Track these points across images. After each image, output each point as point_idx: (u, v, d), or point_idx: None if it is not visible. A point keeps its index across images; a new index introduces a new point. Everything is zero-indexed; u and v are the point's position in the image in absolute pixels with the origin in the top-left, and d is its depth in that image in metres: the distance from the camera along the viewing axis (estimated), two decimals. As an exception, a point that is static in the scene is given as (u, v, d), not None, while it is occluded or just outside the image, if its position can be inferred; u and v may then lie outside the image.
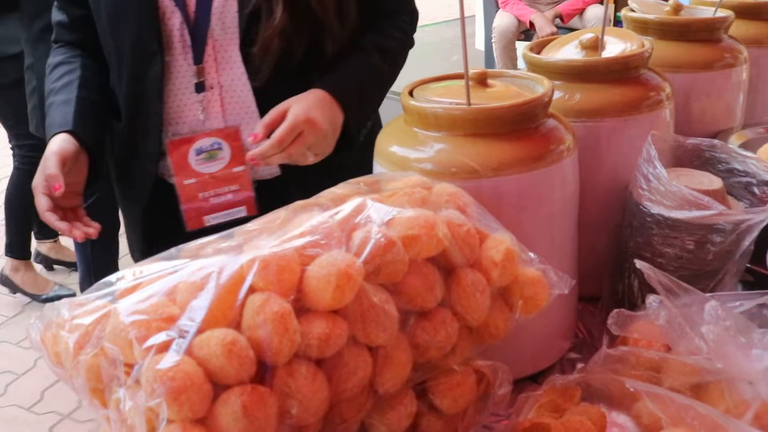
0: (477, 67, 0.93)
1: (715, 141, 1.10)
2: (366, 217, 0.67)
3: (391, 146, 0.91)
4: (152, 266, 0.65)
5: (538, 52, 1.13)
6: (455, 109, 0.85)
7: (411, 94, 0.92)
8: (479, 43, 5.28)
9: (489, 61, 4.80)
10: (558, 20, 4.34)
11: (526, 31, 4.44)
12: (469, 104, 0.84)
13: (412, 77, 0.99)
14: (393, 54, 1.27)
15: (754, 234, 0.96)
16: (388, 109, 1.28)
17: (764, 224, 0.95)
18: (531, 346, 0.96)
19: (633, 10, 1.34)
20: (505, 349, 0.79)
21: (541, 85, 0.92)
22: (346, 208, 0.68)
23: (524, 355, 0.96)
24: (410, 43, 1.34)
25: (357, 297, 0.64)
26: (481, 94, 0.89)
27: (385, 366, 0.67)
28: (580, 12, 4.38)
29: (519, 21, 4.38)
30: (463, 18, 0.82)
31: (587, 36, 1.10)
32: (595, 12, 4.27)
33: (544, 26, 4.21)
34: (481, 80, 0.91)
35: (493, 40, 4.44)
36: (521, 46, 4.40)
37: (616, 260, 1.05)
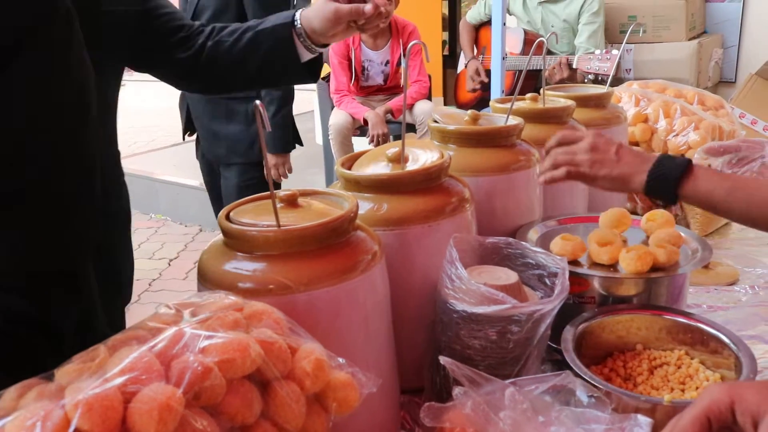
0: (288, 189, 1.01)
1: (511, 239, 1.22)
2: (183, 346, 0.72)
3: (212, 267, 0.96)
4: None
5: (350, 167, 1.23)
6: (267, 231, 0.91)
7: (228, 216, 0.99)
8: (318, 138, 5.43)
9: (328, 155, 4.94)
10: (389, 115, 4.55)
11: (361, 127, 4.62)
12: (279, 226, 0.91)
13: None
14: None
15: (548, 321, 1.07)
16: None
17: (555, 312, 1.07)
18: (358, 443, 1.02)
19: (436, 121, 1.48)
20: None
21: (347, 202, 1.01)
22: (164, 339, 0.72)
23: (353, 452, 1.02)
24: None
25: (180, 425, 0.67)
26: (291, 214, 0.97)
27: (213, 487, 0.71)
28: (410, 107, 4.63)
29: (353, 118, 4.56)
30: (263, 144, 0.89)
31: (392, 150, 1.21)
32: (422, 107, 4.53)
33: (376, 124, 4.40)
34: (292, 201, 0.99)
35: (330, 137, 4.58)
36: (357, 142, 4.59)
37: (432, 354, 1.14)
